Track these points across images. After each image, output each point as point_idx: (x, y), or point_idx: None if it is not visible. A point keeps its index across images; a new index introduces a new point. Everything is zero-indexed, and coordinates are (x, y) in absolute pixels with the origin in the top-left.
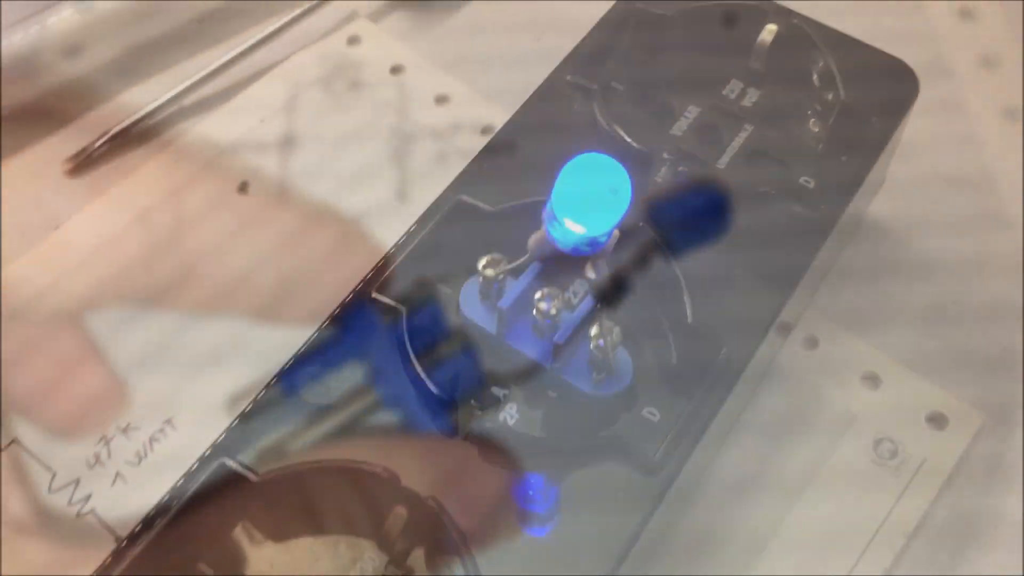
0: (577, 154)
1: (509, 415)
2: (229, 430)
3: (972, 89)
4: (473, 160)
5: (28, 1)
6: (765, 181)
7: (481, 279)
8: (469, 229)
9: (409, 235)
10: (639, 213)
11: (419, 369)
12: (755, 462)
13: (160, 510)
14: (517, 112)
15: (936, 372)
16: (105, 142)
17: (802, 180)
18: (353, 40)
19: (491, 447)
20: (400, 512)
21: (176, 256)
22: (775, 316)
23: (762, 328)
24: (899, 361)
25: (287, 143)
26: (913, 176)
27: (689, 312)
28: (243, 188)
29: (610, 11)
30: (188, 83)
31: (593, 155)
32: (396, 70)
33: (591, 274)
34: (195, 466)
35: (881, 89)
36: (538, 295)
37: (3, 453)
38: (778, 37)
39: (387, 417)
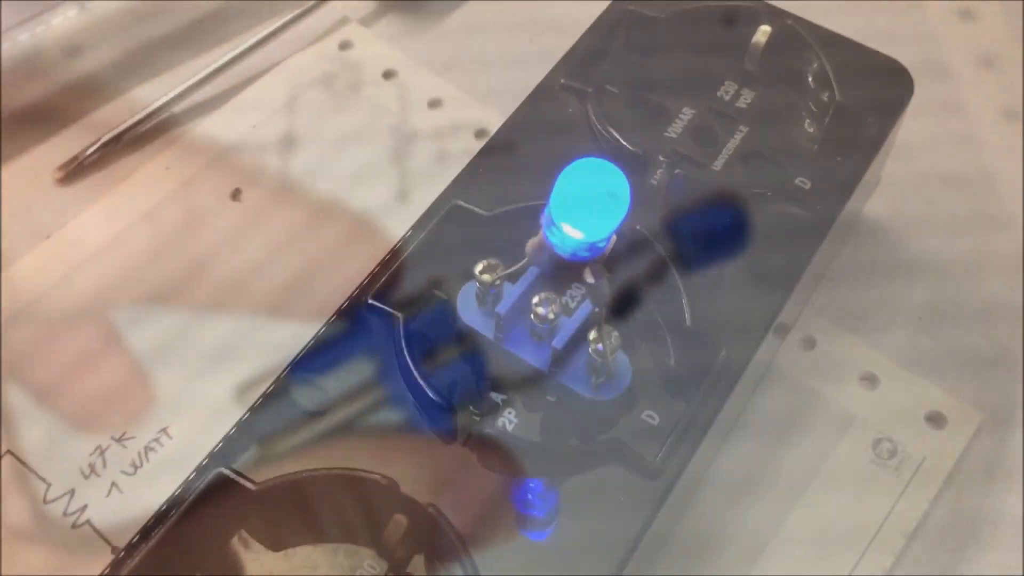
0: (573, 158)
1: (508, 420)
2: (226, 439)
3: (971, 89)
4: (468, 165)
5: (24, 2)
6: (761, 182)
7: (478, 284)
8: (465, 234)
9: (404, 241)
10: (636, 217)
11: (417, 375)
12: (754, 463)
13: (157, 520)
14: (511, 116)
15: (934, 372)
16: (96, 150)
17: (798, 181)
18: (345, 45)
19: (490, 453)
20: (400, 519)
21: (171, 263)
22: (774, 317)
23: (761, 329)
24: (897, 361)
25: (281, 147)
26: (912, 176)
27: (687, 315)
28: (236, 195)
29: (603, 13)
30: (179, 89)
31: (591, 160)
32: (388, 75)
33: (590, 279)
34: (192, 475)
35: (876, 89)
36: (536, 300)
37: None
38: (772, 38)
39: (385, 424)
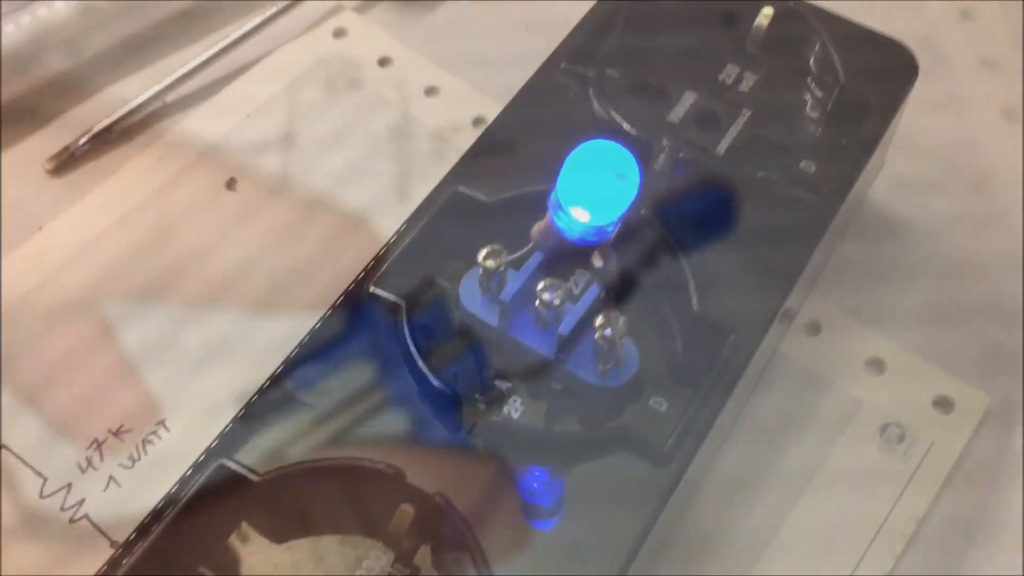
0: (575, 143)
1: (513, 408)
2: (227, 429)
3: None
4: (468, 151)
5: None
6: (766, 166)
7: (481, 271)
8: (467, 221)
9: (405, 229)
10: (640, 202)
11: (421, 364)
12: (762, 451)
13: (158, 512)
14: (511, 102)
15: (941, 356)
16: (88, 140)
17: (803, 164)
18: (339, 33)
19: (496, 441)
20: (406, 509)
21: (165, 254)
22: (782, 301)
23: (770, 313)
24: (903, 346)
25: (275, 138)
26: (916, 159)
27: (694, 300)
28: (231, 184)
29: None
30: (171, 79)
31: (599, 141)
32: (384, 62)
33: (598, 262)
34: (193, 467)
35: (880, 71)
36: (540, 286)
37: None
38: (774, 20)
39: (389, 413)
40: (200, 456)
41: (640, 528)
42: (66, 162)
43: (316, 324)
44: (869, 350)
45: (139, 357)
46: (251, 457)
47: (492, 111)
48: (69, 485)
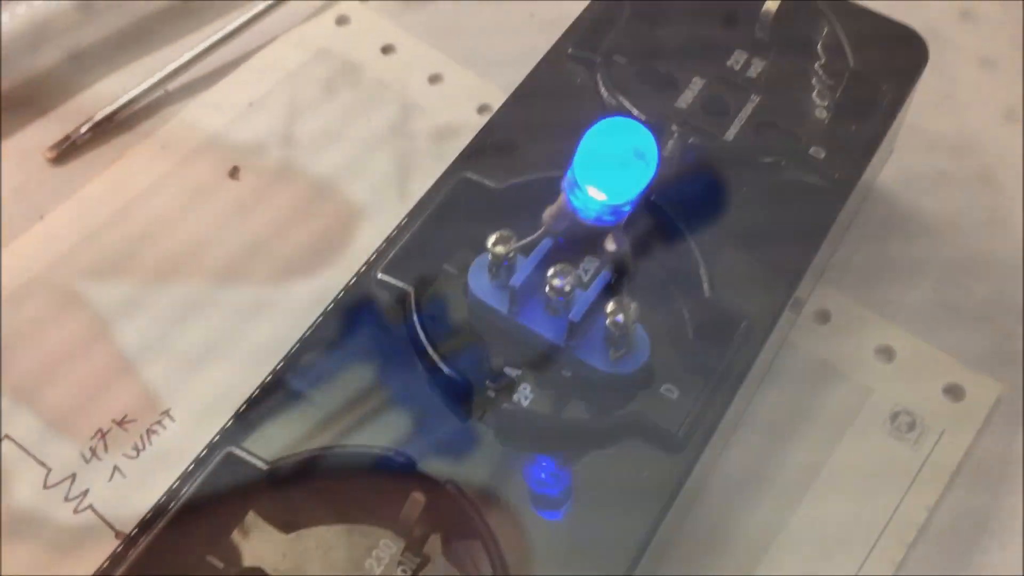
0: (585, 128)
1: (523, 396)
2: (235, 418)
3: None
4: (475, 137)
5: None
6: (775, 152)
7: (490, 257)
8: (474, 207)
9: (413, 215)
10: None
11: (430, 351)
12: (771, 442)
13: (166, 502)
14: (519, 87)
15: (951, 343)
16: (89, 129)
17: (812, 150)
18: (341, 20)
19: (506, 429)
20: (417, 497)
21: (169, 243)
22: (795, 287)
23: (781, 300)
24: (913, 333)
25: (277, 126)
26: (923, 147)
27: (706, 286)
28: (234, 173)
29: None
30: (173, 68)
31: (617, 119)
32: (387, 50)
33: (611, 245)
34: (201, 456)
35: (889, 56)
36: (551, 272)
37: None
38: (783, 5)
39: (398, 401)
40: (208, 445)
41: (653, 518)
42: (67, 151)
43: (323, 312)
44: (878, 338)
45: (142, 347)
46: (259, 445)
47: (496, 99)
48: (73, 476)
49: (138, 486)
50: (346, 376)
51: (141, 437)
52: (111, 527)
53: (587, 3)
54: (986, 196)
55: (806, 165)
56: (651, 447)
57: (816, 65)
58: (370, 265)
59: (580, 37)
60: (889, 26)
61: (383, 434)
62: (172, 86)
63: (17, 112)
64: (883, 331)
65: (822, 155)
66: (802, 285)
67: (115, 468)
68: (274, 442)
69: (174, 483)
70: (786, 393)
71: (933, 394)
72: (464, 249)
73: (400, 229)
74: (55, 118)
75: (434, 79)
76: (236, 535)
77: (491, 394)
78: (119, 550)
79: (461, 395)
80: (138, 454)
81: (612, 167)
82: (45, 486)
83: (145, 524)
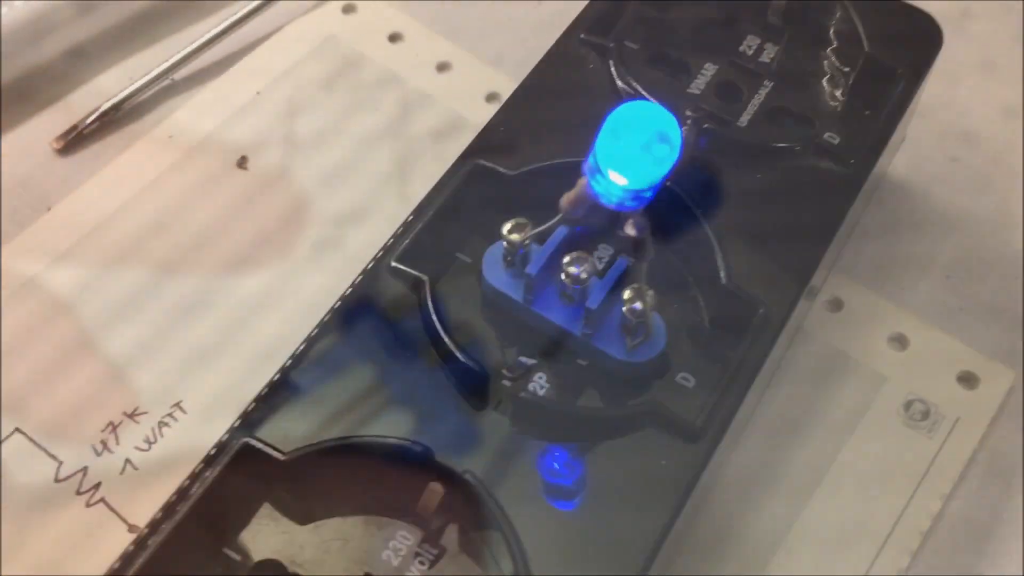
0: (598, 113)
1: (539, 385)
2: (251, 408)
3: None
4: (488, 123)
5: None
6: (789, 138)
7: (505, 244)
8: (488, 194)
9: (426, 203)
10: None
11: (446, 339)
12: (785, 432)
13: (181, 493)
14: (531, 73)
15: (964, 331)
16: (96, 119)
17: (826, 136)
18: (348, 8)
19: (522, 418)
20: (435, 487)
21: (178, 233)
22: (810, 274)
23: (797, 287)
24: (926, 321)
25: (285, 115)
26: (934, 134)
27: (723, 273)
28: (242, 163)
29: None
30: (179, 56)
31: (640, 103)
32: (394, 38)
33: (631, 231)
34: (217, 446)
35: (903, 40)
36: (567, 259)
37: (4, 444)
38: None
39: (413, 390)
40: (224, 434)
41: (671, 507)
42: (74, 141)
43: (337, 301)
44: (892, 326)
45: (153, 337)
46: (275, 435)
47: (505, 87)
48: (85, 468)
49: (151, 479)
50: (362, 365)
51: (153, 429)
52: (124, 520)
53: None
54: (994, 189)
55: (821, 151)
56: (669, 436)
57: (829, 50)
58: (384, 252)
59: (592, 23)
60: (902, 9)
61: (399, 424)
62: (179, 75)
63: (19, 105)
64: (896, 319)
65: (837, 140)
66: (818, 272)
67: (127, 461)
68: (291, 432)
69: (190, 474)
70: (799, 382)
71: (947, 382)
72: (478, 236)
73: (413, 216)
74: (59, 110)
75: (442, 67)
76: (252, 527)
77: (506, 383)
78: (134, 544)
79: (476, 384)
80: (150, 447)
81: (635, 151)
82: (57, 479)
83: (160, 517)
